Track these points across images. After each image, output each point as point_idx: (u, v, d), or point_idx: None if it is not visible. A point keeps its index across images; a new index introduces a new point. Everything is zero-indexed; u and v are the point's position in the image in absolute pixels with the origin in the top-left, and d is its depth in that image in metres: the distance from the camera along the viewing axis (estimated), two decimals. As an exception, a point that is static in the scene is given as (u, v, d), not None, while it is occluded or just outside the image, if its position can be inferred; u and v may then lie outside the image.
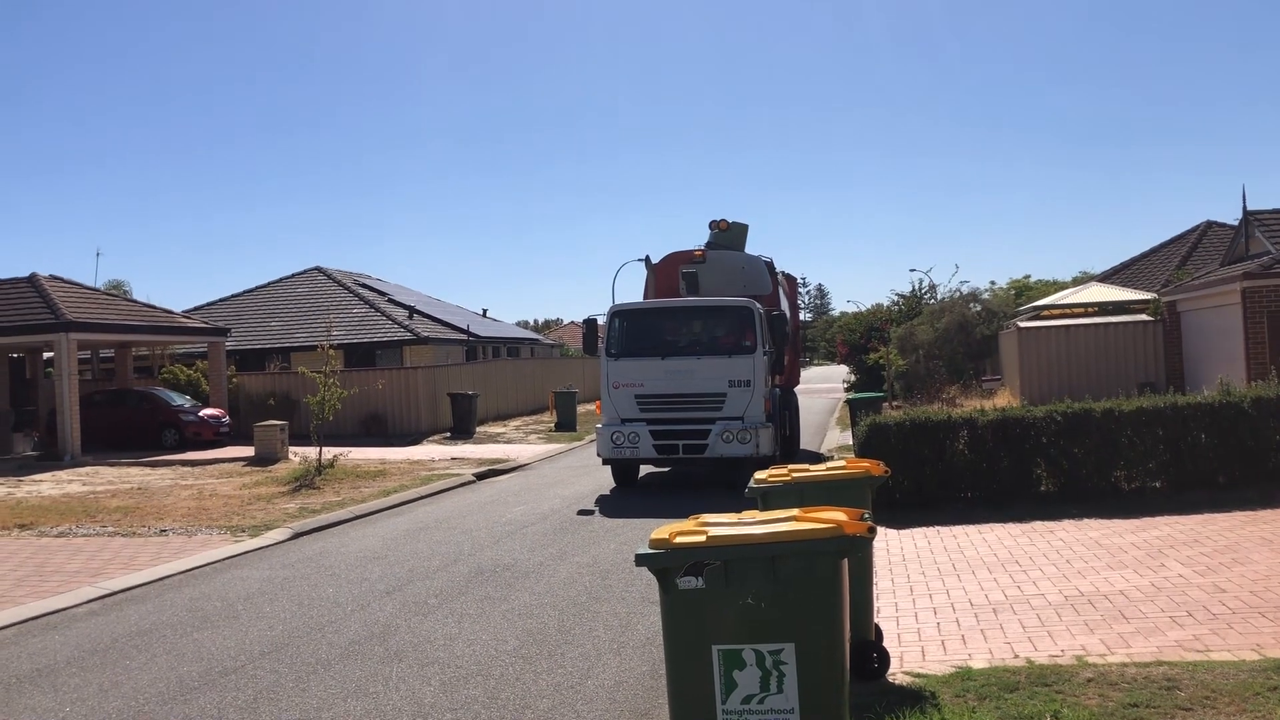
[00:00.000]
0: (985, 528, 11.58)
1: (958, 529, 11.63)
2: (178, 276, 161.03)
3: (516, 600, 9.46)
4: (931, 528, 11.78)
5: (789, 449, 18.86)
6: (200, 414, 29.07)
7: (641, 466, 18.28)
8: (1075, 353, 26.87)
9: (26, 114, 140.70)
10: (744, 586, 3.76)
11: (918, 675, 6.41)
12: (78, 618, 9.52)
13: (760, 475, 6.66)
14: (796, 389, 23.67)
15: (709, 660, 3.79)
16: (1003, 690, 5.87)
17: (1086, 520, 11.59)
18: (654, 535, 3.91)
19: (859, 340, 43.37)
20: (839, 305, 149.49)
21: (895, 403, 32.67)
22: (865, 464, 6.80)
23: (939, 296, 43.75)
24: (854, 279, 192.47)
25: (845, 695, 3.88)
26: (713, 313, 17.68)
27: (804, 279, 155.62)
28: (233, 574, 11.36)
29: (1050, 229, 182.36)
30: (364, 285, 43.63)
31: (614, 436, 16.73)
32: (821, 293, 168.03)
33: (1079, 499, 12.57)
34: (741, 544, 3.78)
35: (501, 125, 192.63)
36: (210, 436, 28.47)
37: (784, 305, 20.24)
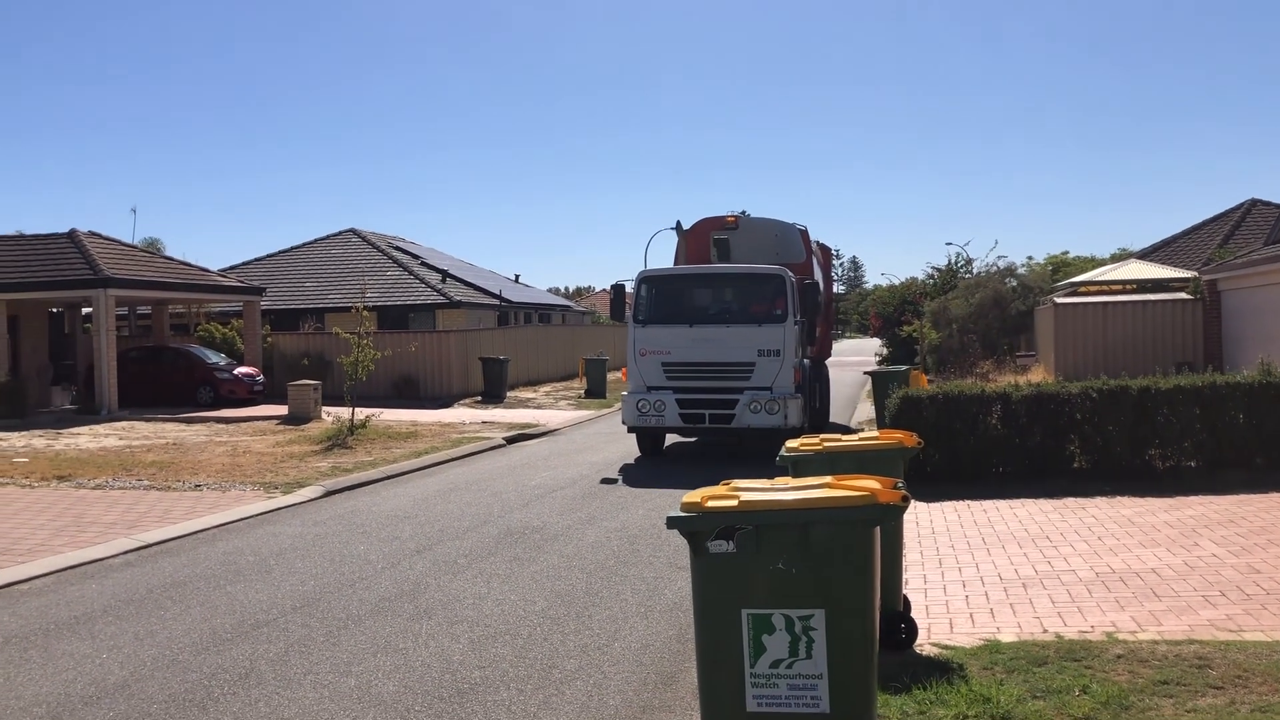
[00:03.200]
0: (1017, 503, 11.51)
1: (989, 503, 11.57)
2: (213, 235, 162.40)
3: (545, 562, 9.52)
4: (962, 501, 11.72)
5: (818, 421, 18.60)
6: (235, 372, 29.36)
7: (668, 436, 18.09)
8: (1112, 330, 26.57)
9: (66, 72, 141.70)
10: (775, 552, 3.75)
11: (945, 647, 6.40)
12: (114, 568, 9.67)
13: (792, 444, 6.63)
14: (828, 361, 23.43)
15: (738, 624, 3.79)
16: (1031, 664, 5.84)
17: (1119, 498, 11.50)
18: (686, 499, 3.90)
19: (893, 313, 43.14)
20: (873, 278, 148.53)
21: (928, 377, 32.48)
22: (898, 435, 6.77)
23: (975, 271, 43.38)
24: (889, 252, 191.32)
25: (874, 663, 3.88)
26: (743, 280, 17.26)
27: (838, 251, 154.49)
28: (266, 529, 11.49)
29: (1089, 205, 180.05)
30: (398, 248, 43.75)
31: (639, 405, 16.45)
32: (855, 265, 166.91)
33: (1113, 476, 12.44)
34: (774, 509, 3.77)
35: (539, 92, 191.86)
36: (244, 394, 28.76)
37: (817, 275, 19.78)
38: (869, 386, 27.06)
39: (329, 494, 13.93)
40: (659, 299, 17.03)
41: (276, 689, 6.14)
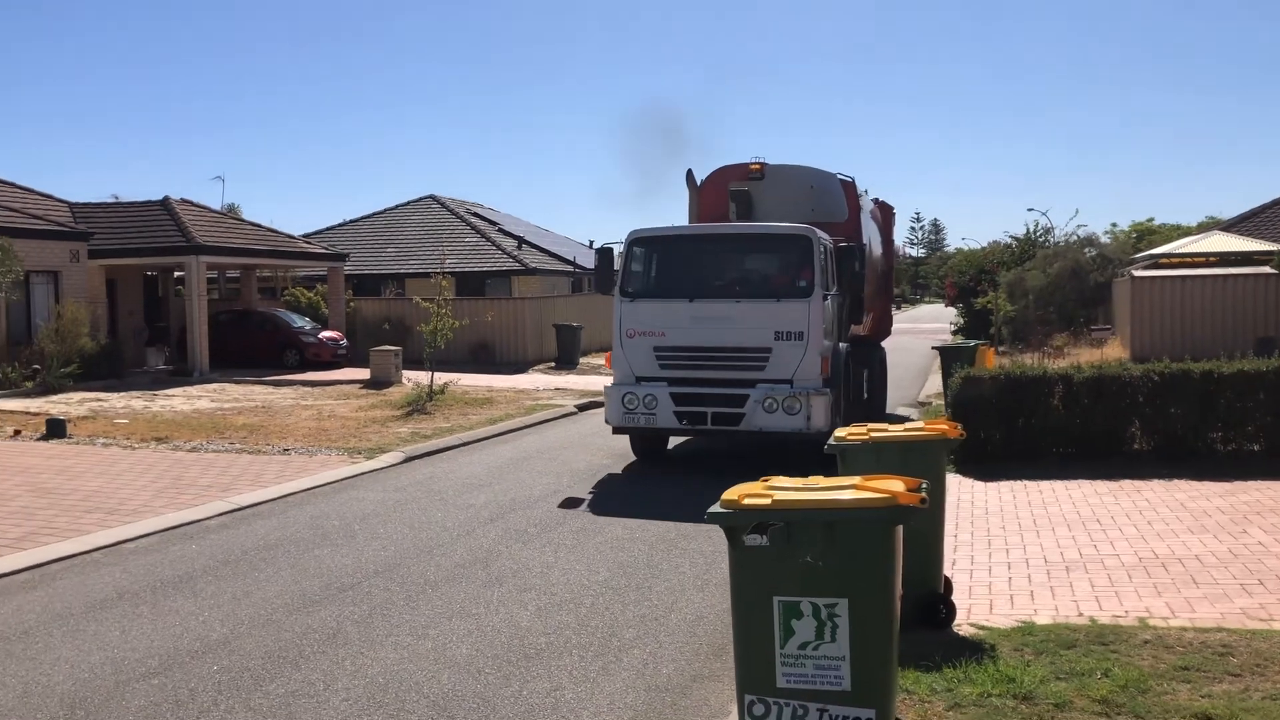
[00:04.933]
0: (1073, 484, 11.72)
1: (1044, 484, 11.79)
2: (296, 202, 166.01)
3: (610, 533, 10.04)
4: (1019, 481, 11.96)
5: (868, 417, 14.23)
6: (319, 336, 30.45)
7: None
8: (1190, 305, 26.29)
9: (160, 47, 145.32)
10: (804, 546, 4.18)
11: (982, 627, 6.76)
12: (211, 529, 10.42)
13: (840, 433, 7.01)
14: (893, 339, 21.45)
15: (770, 610, 4.23)
16: (1060, 647, 6.19)
17: (1176, 481, 11.64)
18: (725, 496, 4.35)
19: (968, 282, 42.81)
20: (955, 242, 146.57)
21: (1001, 349, 32.37)
22: (942, 426, 7.10)
23: (1054, 240, 42.87)
24: (972, 214, 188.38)
25: (893, 647, 4.30)
26: (759, 242, 14.17)
27: (918, 213, 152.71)
28: (350, 494, 12.20)
29: (1179, 170, 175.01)
30: (476, 214, 44.54)
31: (626, 399, 13.37)
32: (937, 228, 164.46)
33: (1173, 459, 12.56)
34: (803, 508, 4.19)
35: (613, 60, 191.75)
36: (328, 358, 29.83)
37: (870, 238, 16.78)
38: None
39: (409, 460, 14.63)
40: (651, 266, 14.05)
41: (361, 649, 6.75)
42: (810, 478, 4.61)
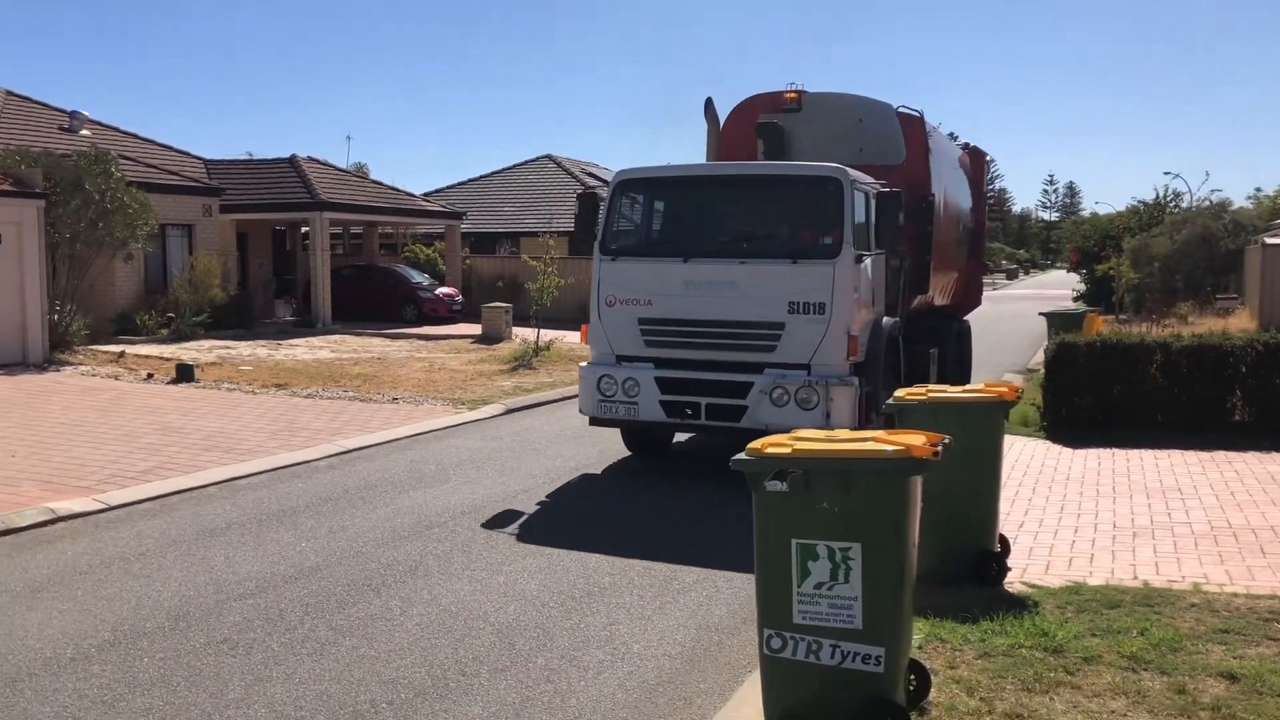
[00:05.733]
0: (1163, 453, 11.59)
1: (1134, 453, 11.68)
2: (420, 161, 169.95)
3: (688, 482, 10.44)
4: (1108, 449, 11.88)
5: None
6: (436, 292, 31.45)
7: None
8: (1326, 274, 25.19)
9: (290, 12, 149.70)
10: (820, 493, 4.44)
11: (1032, 586, 6.90)
12: (318, 470, 11.12)
13: (900, 393, 7.17)
14: (1014, 305, 20.79)
15: (789, 551, 4.52)
16: (1103, 606, 6.30)
17: (1274, 454, 11.40)
18: (749, 445, 4.63)
19: (1092, 247, 41.63)
20: (1090, 206, 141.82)
21: (1122, 316, 31.54)
22: (1001, 388, 7.21)
23: (1185, 205, 41.31)
24: (1112, 177, 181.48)
25: (906, 590, 4.54)
26: (773, 187, 11.09)
27: (1052, 175, 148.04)
28: (449, 442, 12.81)
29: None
30: (591, 174, 44.98)
31: (602, 384, 10.93)
32: (1072, 191, 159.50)
33: (1274, 432, 12.28)
34: (821, 458, 4.45)
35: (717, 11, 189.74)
36: (444, 313, 30.81)
37: (946, 187, 13.78)
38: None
39: (509, 411, 15.21)
40: (641, 217, 11.50)
41: (439, 581, 7.25)
42: (836, 430, 4.85)
